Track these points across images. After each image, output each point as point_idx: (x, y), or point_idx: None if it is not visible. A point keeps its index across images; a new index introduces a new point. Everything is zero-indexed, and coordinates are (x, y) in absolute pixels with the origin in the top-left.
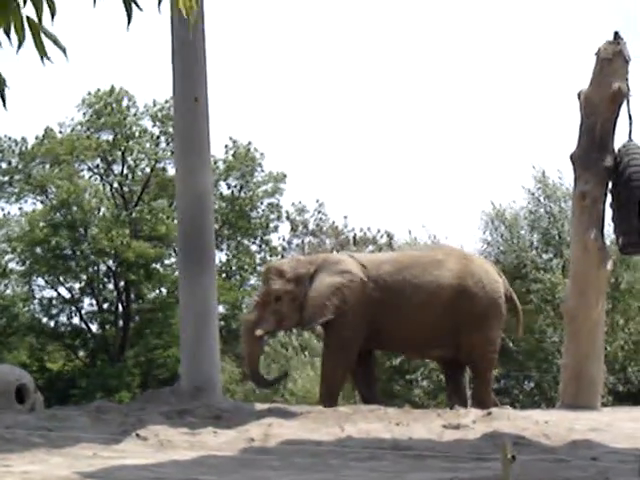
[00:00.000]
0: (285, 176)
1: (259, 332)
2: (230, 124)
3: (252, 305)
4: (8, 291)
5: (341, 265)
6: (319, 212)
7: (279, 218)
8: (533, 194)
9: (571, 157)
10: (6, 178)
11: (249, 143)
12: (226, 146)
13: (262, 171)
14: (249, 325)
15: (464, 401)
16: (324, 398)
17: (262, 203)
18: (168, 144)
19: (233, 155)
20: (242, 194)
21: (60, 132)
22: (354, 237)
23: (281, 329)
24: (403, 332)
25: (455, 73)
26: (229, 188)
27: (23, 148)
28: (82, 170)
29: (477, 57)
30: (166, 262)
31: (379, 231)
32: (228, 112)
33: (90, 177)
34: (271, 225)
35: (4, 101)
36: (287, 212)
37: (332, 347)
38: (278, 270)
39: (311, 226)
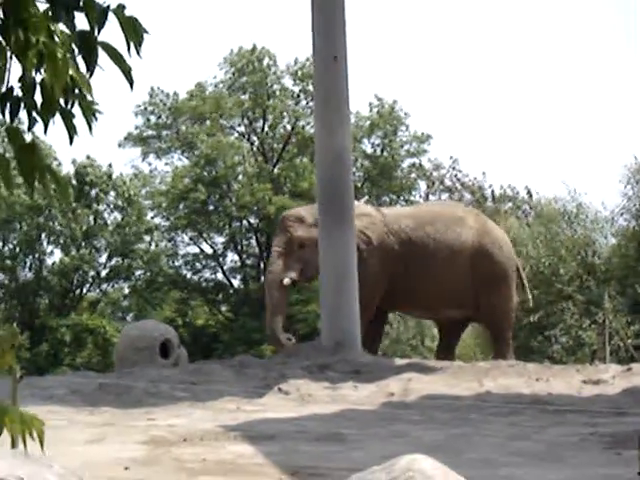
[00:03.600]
0: (429, 137)
1: (287, 281)
2: (376, 82)
3: (274, 256)
4: (153, 246)
5: (358, 209)
6: (453, 169)
7: (421, 178)
8: None
9: None
10: (155, 132)
11: (394, 102)
12: (370, 104)
13: (407, 130)
14: (275, 276)
15: (452, 360)
16: None
17: (403, 162)
18: (308, 102)
19: (378, 113)
20: (385, 153)
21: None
22: (492, 193)
23: (304, 277)
24: (425, 288)
25: (596, 31)
26: (372, 147)
27: (174, 102)
28: (226, 128)
29: (621, 16)
30: None
31: (512, 187)
32: (375, 70)
33: (233, 134)
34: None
35: (140, 45)
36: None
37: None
38: (297, 217)
39: (447, 182)
